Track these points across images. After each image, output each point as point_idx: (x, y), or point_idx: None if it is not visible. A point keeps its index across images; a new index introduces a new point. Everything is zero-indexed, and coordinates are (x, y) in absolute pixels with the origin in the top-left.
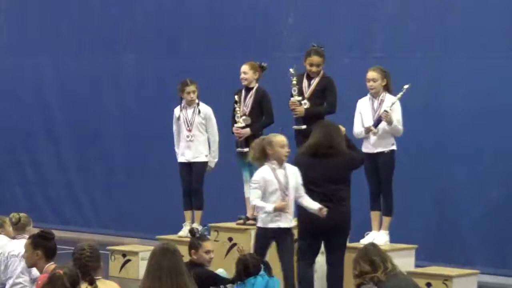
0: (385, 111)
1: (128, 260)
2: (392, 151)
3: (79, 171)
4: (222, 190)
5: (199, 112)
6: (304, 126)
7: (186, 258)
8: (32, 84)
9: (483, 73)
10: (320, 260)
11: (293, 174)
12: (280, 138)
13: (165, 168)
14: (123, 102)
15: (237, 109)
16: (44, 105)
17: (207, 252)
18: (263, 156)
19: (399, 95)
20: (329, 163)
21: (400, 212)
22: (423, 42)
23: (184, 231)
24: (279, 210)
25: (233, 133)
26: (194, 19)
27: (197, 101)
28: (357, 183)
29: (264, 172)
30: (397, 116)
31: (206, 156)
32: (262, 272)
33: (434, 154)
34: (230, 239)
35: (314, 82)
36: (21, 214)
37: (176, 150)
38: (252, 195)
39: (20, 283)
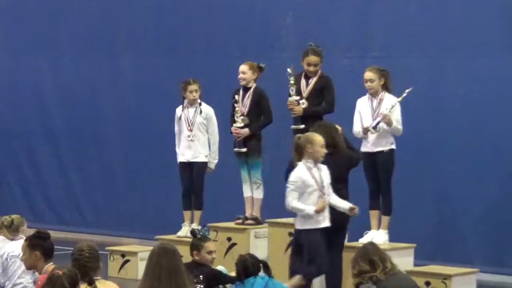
0: (384, 111)
1: (127, 261)
2: (392, 150)
3: (78, 172)
4: (220, 190)
5: (201, 112)
6: (302, 126)
7: (186, 258)
8: (30, 85)
9: (481, 72)
10: None
11: (326, 173)
12: (320, 138)
13: (164, 168)
14: (121, 103)
15: (237, 108)
16: (42, 106)
17: (210, 252)
18: (299, 155)
19: (400, 98)
20: (329, 162)
21: (399, 211)
22: (421, 42)
23: (183, 231)
24: (320, 212)
25: (231, 133)
26: (192, 20)
27: (199, 100)
28: (356, 182)
29: (301, 172)
30: (396, 116)
31: (206, 156)
32: (261, 273)
33: (433, 154)
34: (229, 239)
35: (312, 81)
36: (13, 216)
37: (177, 150)
38: (290, 197)
39: (21, 283)
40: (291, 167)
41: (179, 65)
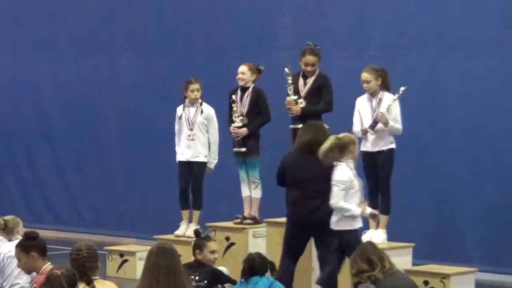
0: (381, 112)
1: (126, 260)
2: (391, 150)
3: (77, 172)
4: (219, 189)
5: (202, 111)
6: (300, 125)
7: (184, 258)
8: (29, 85)
9: (480, 72)
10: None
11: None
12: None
13: (162, 168)
14: (120, 103)
15: (235, 108)
16: (41, 106)
17: (212, 252)
18: (339, 154)
19: (395, 97)
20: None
21: (398, 211)
22: (419, 41)
23: (181, 230)
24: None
25: (230, 132)
26: (191, 20)
27: (200, 100)
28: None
29: (349, 172)
30: (394, 115)
31: (206, 156)
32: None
33: (431, 153)
34: (228, 239)
35: (310, 81)
36: (7, 218)
37: (177, 150)
38: (337, 197)
39: (19, 283)
40: (284, 164)
41: (179, 65)
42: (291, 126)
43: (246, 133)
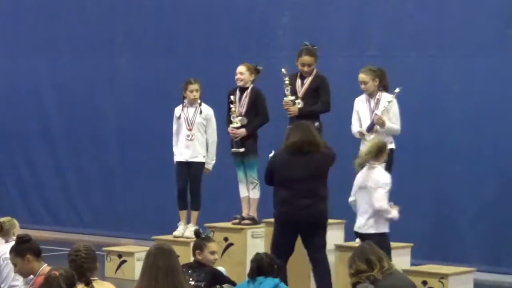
0: (376, 115)
1: (124, 261)
2: (390, 150)
3: (75, 173)
4: (217, 190)
5: (201, 112)
6: None
7: (182, 258)
8: (28, 86)
9: (480, 72)
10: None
11: None
12: None
13: (161, 168)
14: (119, 103)
15: (233, 109)
16: (40, 106)
17: (212, 253)
18: (376, 157)
19: (390, 99)
20: (312, 160)
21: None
22: (418, 41)
23: (179, 231)
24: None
25: (228, 133)
26: (190, 20)
27: (199, 100)
28: (353, 181)
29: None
30: (392, 115)
31: (204, 157)
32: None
33: (430, 153)
34: (226, 239)
35: (307, 81)
36: (3, 219)
37: (174, 150)
38: (384, 199)
39: (16, 285)
40: (273, 164)
41: (178, 65)
42: (289, 126)
43: (244, 133)
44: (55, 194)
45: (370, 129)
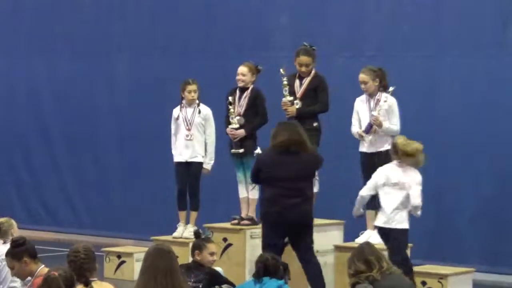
0: (373, 115)
1: (123, 262)
2: (389, 150)
3: (74, 173)
4: (216, 190)
5: (199, 112)
6: None
7: (181, 259)
8: (25, 87)
9: (476, 72)
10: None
11: None
12: None
13: (159, 169)
14: (117, 104)
15: (231, 110)
16: (38, 107)
17: (211, 253)
18: (403, 156)
19: (384, 98)
20: (299, 160)
21: None
22: (416, 41)
23: (179, 232)
24: None
25: (227, 133)
26: (187, 20)
27: (197, 101)
28: (352, 182)
29: None
30: (392, 116)
31: (203, 157)
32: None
33: (428, 153)
34: (225, 239)
35: (306, 81)
36: (1, 220)
37: (173, 151)
38: (421, 196)
39: (14, 287)
40: (261, 162)
41: (175, 65)
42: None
43: (243, 134)
44: (54, 194)
45: (368, 130)
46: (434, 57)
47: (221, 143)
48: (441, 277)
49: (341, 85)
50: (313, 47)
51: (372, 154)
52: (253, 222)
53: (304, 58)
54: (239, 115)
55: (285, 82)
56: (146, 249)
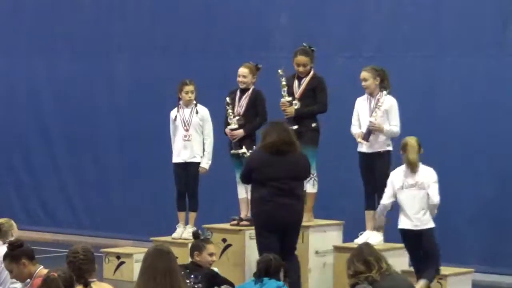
0: (370, 121)
1: (122, 262)
2: (388, 151)
3: (73, 174)
4: (215, 191)
5: (197, 112)
6: (295, 126)
7: (180, 260)
8: (25, 87)
9: (476, 72)
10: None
11: None
12: None
13: (159, 170)
14: (117, 104)
15: (230, 111)
16: (37, 107)
17: (211, 254)
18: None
19: (380, 103)
20: (290, 160)
21: (394, 212)
22: (416, 41)
23: (178, 233)
24: None
25: (226, 134)
26: (187, 20)
27: (194, 101)
28: (351, 182)
29: None
30: (392, 117)
31: (201, 157)
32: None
33: (427, 153)
34: (224, 240)
35: (304, 82)
36: (1, 221)
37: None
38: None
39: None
40: (252, 163)
41: (175, 66)
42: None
43: (242, 135)
44: (53, 195)
45: (368, 137)
46: (434, 57)
47: (220, 144)
48: (441, 277)
49: (341, 85)
50: (312, 48)
51: (371, 154)
52: (252, 222)
53: (301, 58)
54: (239, 115)
55: (284, 83)
56: (145, 250)
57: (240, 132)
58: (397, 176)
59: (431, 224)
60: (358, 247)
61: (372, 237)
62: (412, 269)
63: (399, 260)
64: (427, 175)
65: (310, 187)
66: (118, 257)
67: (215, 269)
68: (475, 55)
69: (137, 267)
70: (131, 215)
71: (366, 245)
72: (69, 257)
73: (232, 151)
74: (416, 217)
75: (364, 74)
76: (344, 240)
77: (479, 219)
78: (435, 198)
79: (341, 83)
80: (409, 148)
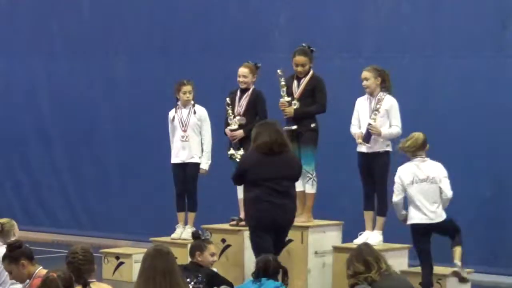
0: (369, 125)
1: (122, 263)
2: (387, 152)
3: (72, 175)
4: (214, 191)
5: (195, 112)
6: (294, 127)
7: (180, 260)
8: (24, 87)
9: (474, 73)
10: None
11: None
12: None
13: (158, 170)
14: (115, 105)
15: (230, 111)
16: (36, 108)
17: (212, 254)
18: (424, 148)
19: (378, 106)
20: (283, 160)
21: (394, 212)
22: (414, 42)
23: (177, 233)
24: None
25: (226, 134)
26: (185, 20)
27: (192, 102)
28: (350, 182)
29: None
30: (392, 117)
31: (200, 158)
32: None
33: (428, 153)
34: (224, 240)
35: (303, 82)
36: (2, 221)
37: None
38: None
39: None
40: (246, 163)
41: (174, 66)
42: (285, 127)
43: (242, 135)
44: (53, 196)
45: (368, 139)
46: (432, 58)
47: (220, 144)
48: (440, 278)
49: (340, 86)
50: (311, 48)
51: (370, 155)
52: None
53: (300, 58)
54: (239, 115)
55: (283, 83)
56: (144, 250)
57: (240, 132)
58: (405, 172)
59: (444, 216)
60: (357, 248)
61: (371, 237)
62: (412, 269)
63: (399, 260)
64: (437, 169)
65: (309, 187)
66: (117, 258)
67: (214, 269)
68: (474, 56)
69: (136, 268)
70: (131, 215)
71: (366, 245)
72: (68, 258)
73: (229, 152)
74: (431, 210)
75: (365, 73)
76: (343, 241)
77: (478, 219)
78: (449, 192)
79: (340, 83)
80: (409, 137)
